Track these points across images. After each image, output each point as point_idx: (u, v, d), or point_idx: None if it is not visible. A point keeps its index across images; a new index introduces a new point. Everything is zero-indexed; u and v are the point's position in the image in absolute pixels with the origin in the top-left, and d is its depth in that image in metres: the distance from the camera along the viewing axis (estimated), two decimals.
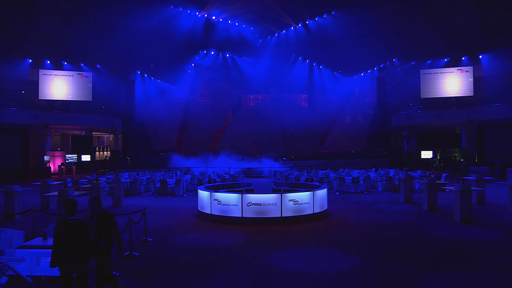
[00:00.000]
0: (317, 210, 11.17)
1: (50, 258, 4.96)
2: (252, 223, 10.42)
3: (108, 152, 36.10)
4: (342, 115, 36.08)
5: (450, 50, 31.39)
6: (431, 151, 31.75)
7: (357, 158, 31.65)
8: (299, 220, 10.70)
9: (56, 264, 4.83)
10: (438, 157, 31.14)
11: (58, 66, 31.12)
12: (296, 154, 33.98)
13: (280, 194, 10.67)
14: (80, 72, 31.55)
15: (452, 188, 11.41)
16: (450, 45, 31.32)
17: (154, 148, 33.94)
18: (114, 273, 6.60)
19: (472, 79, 30.42)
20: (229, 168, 24.76)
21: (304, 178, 18.79)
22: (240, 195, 10.66)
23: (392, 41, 31.26)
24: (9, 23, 28.00)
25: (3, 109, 25.60)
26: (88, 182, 16.28)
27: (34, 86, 30.03)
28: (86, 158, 31.89)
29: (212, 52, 35.53)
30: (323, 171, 21.76)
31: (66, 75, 31.11)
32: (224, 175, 20.66)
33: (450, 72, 31.33)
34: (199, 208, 11.86)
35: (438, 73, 31.78)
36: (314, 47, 34.12)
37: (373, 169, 22.41)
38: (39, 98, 30.16)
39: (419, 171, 20.60)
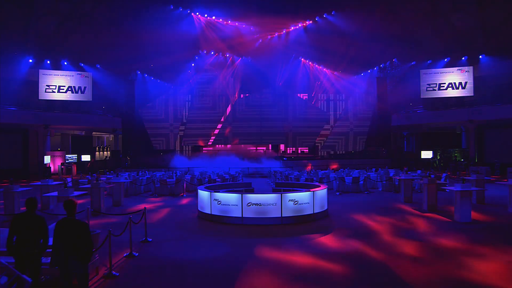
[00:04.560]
0: (317, 210, 11.17)
1: (50, 258, 4.97)
2: (252, 223, 10.43)
3: (108, 152, 36.11)
4: (342, 115, 36.11)
5: (450, 50, 31.41)
6: (431, 151, 31.76)
7: (357, 158, 31.68)
8: (299, 220, 10.70)
9: (56, 264, 4.83)
10: (438, 157, 31.15)
11: (58, 66, 31.14)
12: (296, 153, 34.03)
13: (280, 194, 10.67)
14: (80, 72, 31.56)
15: (452, 188, 11.40)
16: (450, 45, 31.34)
17: (154, 148, 33.97)
18: (114, 273, 6.60)
19: (472, 79, 30.43)
20: (229, 168, 24.79)
21: (304, 178, 18.80)
22: (240, 195, 10.66)
23: (392, 41, 31.28)
24: (9, 23, 28.01)
25: (3, 109, 25.62)
26: (88, 182, 16.28)
27: (34, 86, 30.04)
28: (86, 158, 31.90)
29: (212, 52, 35.55)
30: (323, 171, 21.78)
31: (66, 75, 31.12)
32: (224, 175, 20.66)
33: (450, 72, 31.35)
34: (199, 208, 11.86)
35: (438, 73, 31.80)
36: (314, 47, 34.13)
37: (373, 169, 22.42)
38: (39, 98, 30.17)
39: (419, 171, 20.60)
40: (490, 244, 8.45)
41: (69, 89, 31.25)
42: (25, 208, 5.23)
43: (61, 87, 30.94)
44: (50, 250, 5.42)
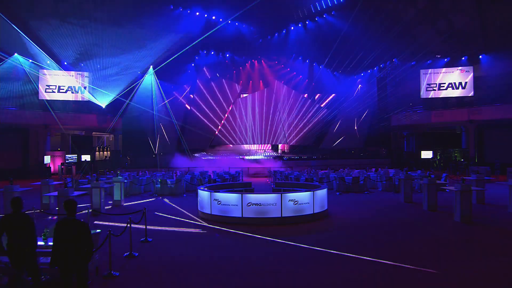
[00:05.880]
0: (317, 210, 11.16)
1: (50, 258, 4.97)
2: (252, 223, 10.42)
3: (108, 152, 36.10)
4: (342, 115, 36.13)
5: (450, 50, 31.42)
6: (431, 151, 31.77)
7: (357, 158, 31.70)
8: (299, 220, 10.70)
9: (56, 264, 4.83)
10: (438, 157, 31.15)
11: (58, 66, 31.14)
12: (296, 153, 34.02)
13: (280, 194, 10.66)
14: (80, 72, 31.56)
15: (452, 188, 11.40)
16: (450, 45, 31.35)
17: (154, 148, 33.96)
18: (114, 273, 6.60)
19: (472, 79, 30.44)
20: (229, 168, 24.81)
21: (304, 178, 18.80)
22: (240, 195, 10.65)
23: (392, 41, 31.28)
24: (9, 23, 28.00)
25: (3, 109, 25.63)
26: (88, 182, 16.29)
27: (34, 86, 30.05)
28: (86, 158, 31.90)
29: (212, 52, 35.55)
30: (323, 171, 21.78)
31: (66, 75, 31.12)
32: (224, 175, 20.66)
33: (450, 72, 31.36)
34: (199, 208, 11.86)
35: (438, 73, 31.81)
36: (314, 47, 34.16)
37: (373, 169, 22.43)
38: (39, 98, 30.18)
39: (419, 171, 20.60)
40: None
41: (69, 89, 31.25)
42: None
43: (61, 87, 30.95)
44: (50, 250, 5.43)
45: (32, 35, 29.32)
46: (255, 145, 36.08)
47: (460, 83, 30.99)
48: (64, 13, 29.62)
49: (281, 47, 35.06)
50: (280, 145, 36.34)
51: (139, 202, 15.30)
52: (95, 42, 31.00)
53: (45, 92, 30.47)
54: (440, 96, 31.93)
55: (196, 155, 33.19)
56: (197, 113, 36.00)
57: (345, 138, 34.60)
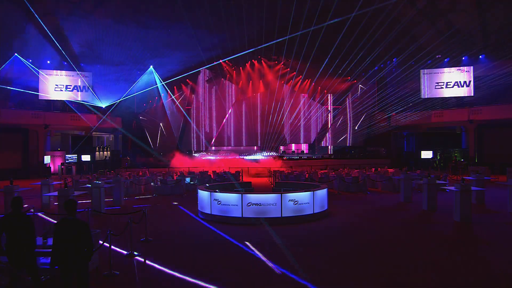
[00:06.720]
0: (317, 210, 11.16)
1: (50, 258, 4.97)
2: (252, 223, 10.42)
3: (108, 152, 36.11)
4: (342, 115, 36.15)
5: (450, 50, 31.41)
6: (431, 151, 31.78)
7: (357, 158, 31.71)
8: (299, 220, 10.70)
9: (56, 264, 4.84)
10: (438, 157, 31.16)
11: (58, 66, 31.15)
12: (296, 153, 34.05)
13: (280, 194, 10.67)
14: (80, 72, 31.58)
15: (452, 188, 11.41)
16: (450, 45, 31.34)
17: (154, 148, 33.99)
18: (114, 272, 6.61)
19: (473, 79, 30.46)
20: (229, 168, 24.81)
21: (304, 178, 18.81)
22: (240, 195, 10.65)
23: (392, 41, 31.26)
24: (9, 23, 28.02)
25: (3, 109, 25.64)
26: (88, 182, 16.30)
27: (34, 86, 30.08)
28: (86, 158, 31.90)
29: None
30: (323, 171, 21.79)
31: (66, 75, 31.13)
32: (224, 175, 20.68)
33: (450, 72, 31.36)
34: (199, 208, 11.86)
35: (438, 73, 31.82)
36: (314, 47, 34.09)
37: (373, 169, 22.44)
38: (39, 98, 30.19)
39: (419, 171, 20.61)
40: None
41: (72, 88, 31.27)
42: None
43: (62, 87, 30.97)
44: (50, 250, 5.43)
45: (32, 34, 29.38)
46: (256, 146, 36.10)
47: (464, 82, 30.98)
48: (64, 12, 29.65)
49: (280, 47, 35.03)
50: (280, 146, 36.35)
51: (139, 202, 15.30)
52: (95, 42, 31.04)
53: (45, 92, 30.48)
54: (440, 96, 31.93)
55: (196, 155, 33.23)
56: (198, 114, 36.00)
57: (345, 138, 34.63)
